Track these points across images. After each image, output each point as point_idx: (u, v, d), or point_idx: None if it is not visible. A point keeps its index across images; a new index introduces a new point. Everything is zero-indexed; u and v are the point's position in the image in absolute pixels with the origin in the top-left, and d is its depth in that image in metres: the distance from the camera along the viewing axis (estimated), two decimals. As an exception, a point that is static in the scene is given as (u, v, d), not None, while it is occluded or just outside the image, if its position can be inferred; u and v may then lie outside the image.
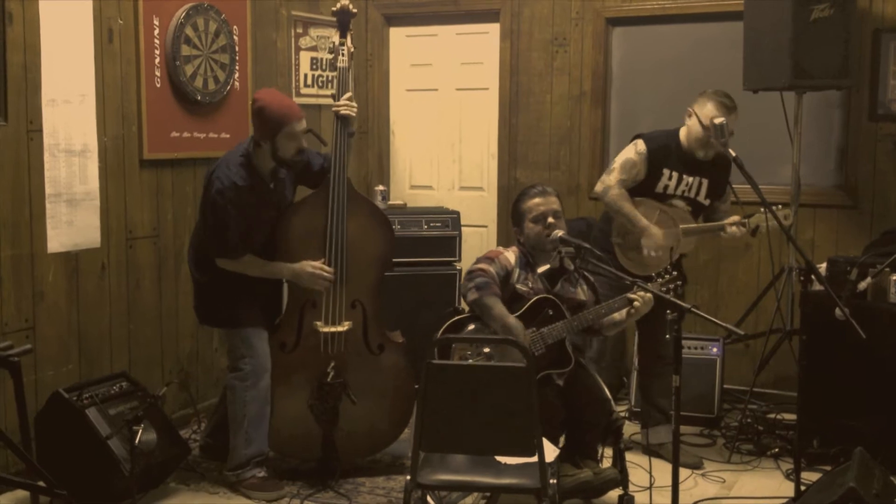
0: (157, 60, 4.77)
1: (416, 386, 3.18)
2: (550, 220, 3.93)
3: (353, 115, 4.28)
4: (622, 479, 3.83)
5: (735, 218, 4.45)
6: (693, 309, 3.28)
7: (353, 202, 4.25)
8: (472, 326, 3.90)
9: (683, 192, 4.51)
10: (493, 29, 6.20)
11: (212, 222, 4.08)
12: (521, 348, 3.15)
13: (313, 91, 5.99)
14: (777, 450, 4.63)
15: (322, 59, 6.05)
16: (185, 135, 4.96)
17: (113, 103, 4.58)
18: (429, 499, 3.64)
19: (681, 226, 4.46)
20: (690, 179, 4.50)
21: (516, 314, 3.83)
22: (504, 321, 3.76)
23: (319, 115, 5.92)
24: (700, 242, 5.20)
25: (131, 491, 3.66)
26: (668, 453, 4.20)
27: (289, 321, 4.27)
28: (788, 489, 4.07)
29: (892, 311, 4.32)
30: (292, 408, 4.25)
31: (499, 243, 6.12)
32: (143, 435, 3.80)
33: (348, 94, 4.29)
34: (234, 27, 5.20)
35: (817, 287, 4.09)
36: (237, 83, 5.22)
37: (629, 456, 4.05)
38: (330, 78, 6.07)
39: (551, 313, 3.88)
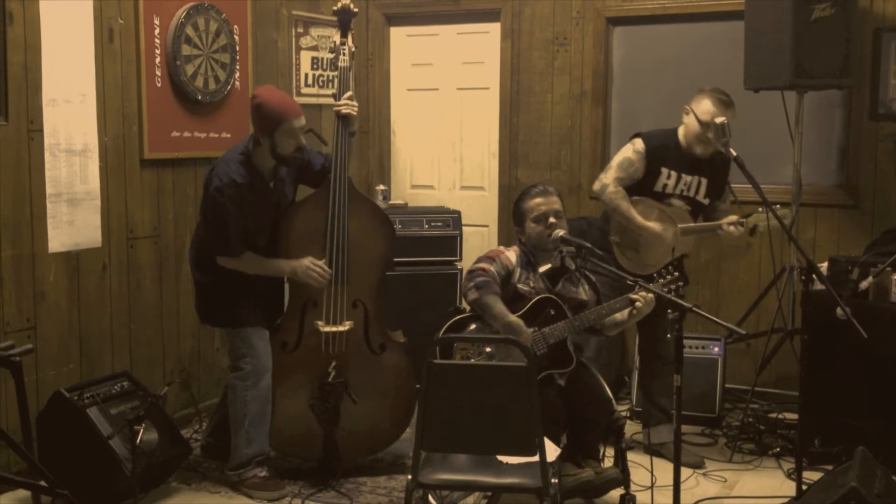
0: (158, 60, 4.77)
1: (418, 385, 3.17)
2: (552, 219, 3.93)
3: (354, 114, 4.28)
4: (624, 478, 3.82)
5: (733, 217, 4.44)
6: (694, 308, 3.27)
7: (354, 202, 4.25)
8: (473, 326, 3.90)
9: (682, 191, 4.51)
10: (494, 28, 6.20)
11: (211, 220, 4.09)
12: (522, 348, 3.15)
13: (314, 91, 5.99)
14: (778, 449, 4.63)
15: (323, 58, 6.05)
16: (186, 134, 4.96)
17: (113, 103, 4.58)
18: (430, 498, 3.63)
19: (679, 225, 4.45)
20: (689, 179, 4.50)
21: (518, 314, 3.83)
22: (504, 320, 3.76)
23: (320, 114, 5.92)
24: (699, 242, 5.21)
25: (133, 490, 3.65)
26: (669, 453, 4.20)
27: (290, 321, 4.27)
28: (790, 489, 4.07)
29: (893, 310, 4.32)
30: (293, 407, 4.25)
31: (500, 243, 6.12)
32: (145, 434, 3.80)
33: (349, 94, 4.29)
34: (235, 27, 5.20)
35: (819, 286, 4.08)
36: (238, 83, 5.22)
37: (631, 455, 4.05)
38: (331, 77, 6.07)
39: (553, 313, 3.88)
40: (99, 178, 4.51)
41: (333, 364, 4.21)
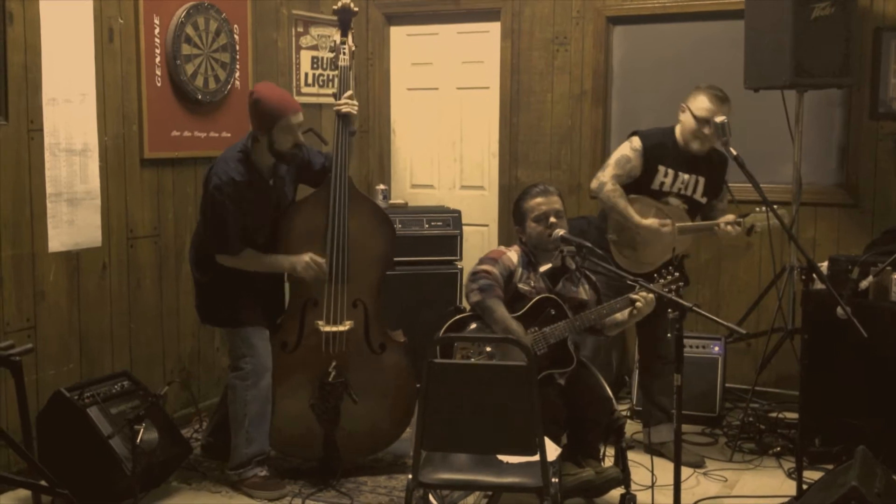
0: (158, 59, 4.77)
1: (418, 385, 3.17)
2: (552, 219, 3.93)
3: (354, 113, 4.28)
4: (624, 478, 3.82)
5: (730, 217, 4.44)
6: (694, 308, 3.27)
7: (354, 201, 4.25)
8: (473, 325, 3.90)
9: (679, 189, 4.51)
10: (494, 28, 6.20)
11: (210, 218, 4.09)
12: (522, 347, 3.15)
13: (314, 90, 5.99)
14: (779, 449, 4.63)
15: (323, 58, 6.04)
16: (186, 134, 4.96)
17: (113, 102, 4.58)
18: (431, 498, 3.63)
19: (676, 224, 4.45)
20: (686, 177, 4.50)
21: (518, 313, 3.83)
22: (505, 325, 3.76)
23: (320, 114, 5.92)
24: (699, 241, 5.21)
25: (133, 490, 3.65)
26: (669, 452, 4.21)
27: (290, 321, 4.27)
28: (790, 488, 4.07)
29: (893, 309, 4.32)
30: (294, 407, 4.25)
31: (500, 242, 6.12)
32: (145, 434, 3.80)
33: (349, 93, 4.29)
34: (235, 26, 5.20)
35: (819, 286, 4.08)
36: (238, 82, 5.22)
37: (631, 455, 4.05)
38: (331, 77, 6.07)
39: (553, 313, 3.88)
40: (99, 177, 4.51)
41: (334, 364, 4.20)
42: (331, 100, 4.44)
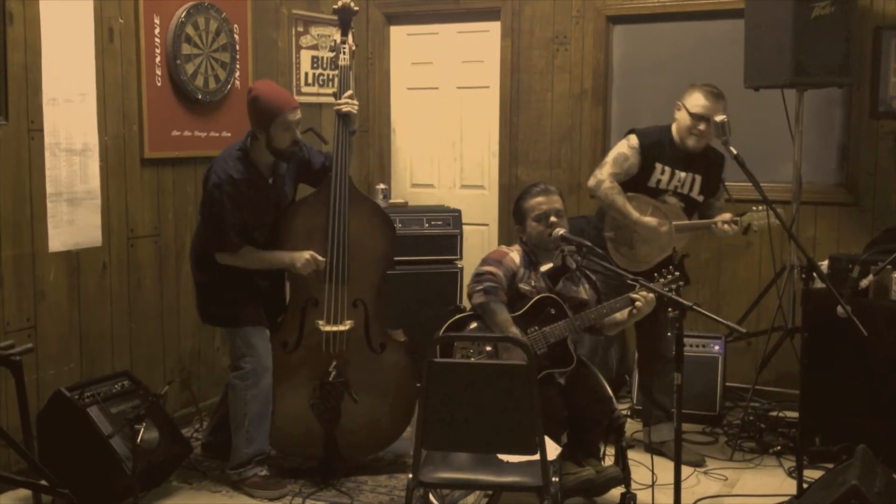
0: (158, 59, 4.77)
1: (418, 384, 3.17)
2: (553, 218, 3.93)
3: (355, 113, 4.28)
4: (624, 477, 3.82)
5: (727, 216, 4.44)
6: (695, 307, 3.27)
7: (354, 201, 4.25)
8: (474, 325, 3.90)
9: (676, 187, 4.51)
10: (494, 27, 6.20)
11: (209, 216, 4.09)
12: (522, 346, 3.15)
13: (314, 90, 5.99)
14: (779, 447, 4.63)
15: (323, 57, 6.05)
16: (186, 133, 4.96)
17: (114, 102, 4.58)
18: (431, 497, 3.63)
19: (673, 222, 4.46)
20: (683, 175, 4.50)
21: (518, 312, 3.83)
22: (506, 330, 3.76)
23: (320, 113, 5.92)
24: (699, 240, 5.21)
25: (133, 490, 3.65)
26: (670, 451, 4.21)
27: (290, 320, 4.27)
28: (791, 487, 4.07)
29: (893, 308, 4.32)
30: (294, 407, 4.25)
31: (500, 242, 6.12)
32: (145, 433, 3.80)
33: (349, 93, 4.29)
34: (235, 26, 5.20)
35: (819, 285, 4.09)
36: (238, 82, 5.22)
37: (631, 454, 4.05)
38: (331, 76, 6.07)
39: (553, 312, 3.88)
40: (99, 177, 4.51)
41: (334, 363, 4.21)
42: (331, 99, 4.44)
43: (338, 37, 4.39)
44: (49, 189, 4.26)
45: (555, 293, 3.93)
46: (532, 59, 6.04)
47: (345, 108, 4.25)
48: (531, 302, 3.88)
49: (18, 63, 4.09)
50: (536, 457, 3.08)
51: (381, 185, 5.92)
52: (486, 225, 6.38)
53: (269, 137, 4.05)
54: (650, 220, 4.42)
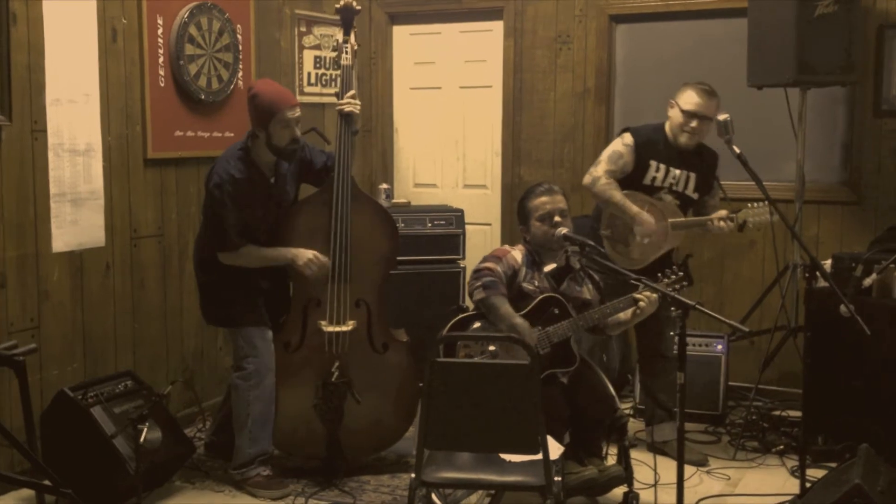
0: (161, 60, 4.78)
1: (421, 384, 3.18)
2: (557, 218, 3.93)
3: (357, 112, 4.28)
4: (627, 476, 3.82)
5: (723, 213, 4.44)
6: (697, 306, 3.27)
7: (356, 201, 4.25)
8: (477, 324, 3.90)
9: (671, 185, 4.52)
10: (497, 27, 6.20)
11: (211, 216, 4.10)
12: (525, 346, 3.15)
13: (317, 90, 5.99)
14: (782, 447, 4.63)
15: (325, 57, 6.05)
16: (189, 134, 4.97)
17: (117, 103, 4.58)
18: (433, 497, 3.63)
19: (669, 220, 4.46)
20: (678, 173, 4.51)
21: (522, 313, 3.83)
22: (510, 321, 3.76)
23: (323, 113, 5.92)
24: (696, 238, 5.22)
25: (136, 489, 3.66)
26: (672, 450, 4.20)
27: (293, 320, 4.28)
28: (794, 486, 4.07)
29: (896, 307, 4.31)
30: (296, 407, 4.25)
31: (503, 241, 6.12)
32: (148, 433, 3.80)
33: (352, 92, 4.29)
34: (238, 26, 5.21)
35: (822, 284, 4.08)
36: (241, 82, 5.23)
37: (634, 453, 4.05)
38: (334, 76, 6.08)
39: (557, 312, 3.87)
40: (102, 177, 4.51)
41: (336, 364, 4.21)
42: (334, 99, 4.44)
43: (340, 36, 4.39)
44: (52, 189, 4.27)
45: (558, 293, 3.93)
46: (535, 59, 6.04)
47: (347, 108, 4.25)
48: (535, 302, 3.88)
49: (22, 63, 4.10)
50: (539, 456, 3.08)
51: (384, 185, 5.92)
52: (489, 224, 6.38)
53: (268, 135, 4.05)
54: (647, 216, 4.43)
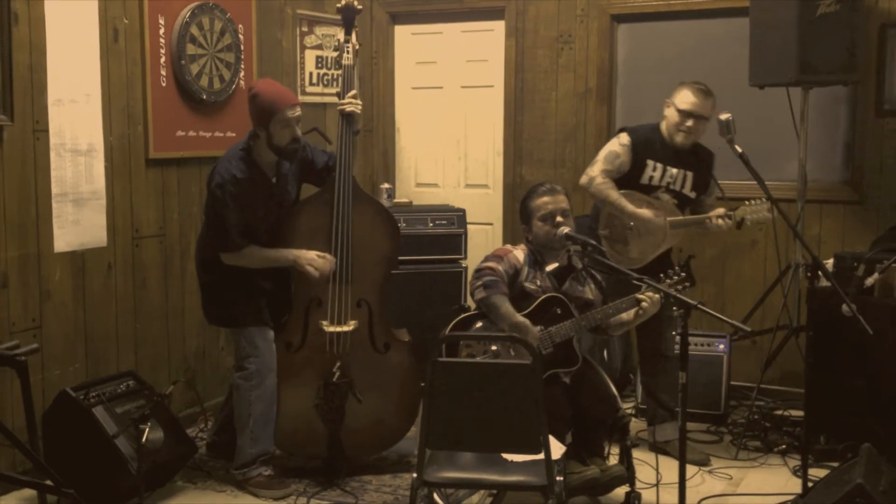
0: (163, 60, 4.78)
1: (423, 384, 3.17)
2: (559, 218, 3.92)
3: (358, 112, 4.28)
4: (629, 476, 3.82)
5: (721, 210, 4.46)
6: (699, 305, 3.27)
7: (358, 200, 4.25)
8: (479, 324, 3.89)
9: (668, 184, 4.53)
10: (499, 26, 6.20)
11: (212, 216, 4.10)
12: (527, 346, 3.15)
13: (318, 89, 5.99)
14: (784, 446, 4.63)
15: (327, 57, 6.05)
16: (191, 134, 4.97)
17: (118, 103, 4.59)
18: (435, 496, 3.63)
19: (668, 218, 4.47)
20: (675, 171, 4.52)
21: (524, 312, 3.83)
22: (511, 320, 3.76)
23: (325, 113, 5.92)
24: (698, 238, 5.22)
25: (138, 489, 3.66)
26: (674, 450, 4.20)
27: (294, 320, 4.28)
28: (796, 486, 4.07)
29: (899, 306, 4.31)
30: (298, 407, 4.25)
31: (504, 241, 6.12)
32: (150, 433, 3.81)
33: (353, 92, 4.29)
34: (240, 26, 5.21)
35: (824, 283, 4.08)
36: (243, 82, 5.23)
37: (636, 453, 4.04)
38: (335, 76, 6.08)
39: (559, 312, 3.87)
40: (104, 177, 4.52)
41: (338, 364, 4.21)
42: (335, 99, 4.44)
43: (342, 36, 4.38)
44: (54, 189, 4.27)
45: (561, 293, 3.93)
46: (536, 59, 6.04)
47: (348, 108, 4.25)
48: (537, 301, 3.87)
49: (24, 63, 4.10)
50: (541, 456, 3.07)
51: (386, 185, 5.92)
52: (491, 224, 6.38)
53: (269, 135, 4.05)
54: (645, 211, 4.43)
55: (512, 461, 3.28)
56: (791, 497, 3.95)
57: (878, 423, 4.25)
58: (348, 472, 4.30)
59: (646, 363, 4.73)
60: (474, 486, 3.62)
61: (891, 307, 4.30)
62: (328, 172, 4.26)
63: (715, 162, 4.60)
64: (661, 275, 3.89)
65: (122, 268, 4.65)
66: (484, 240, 6.30)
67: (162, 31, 4.76)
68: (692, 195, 4.57)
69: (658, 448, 4.45)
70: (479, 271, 3.90)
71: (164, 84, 4.79)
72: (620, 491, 3.86)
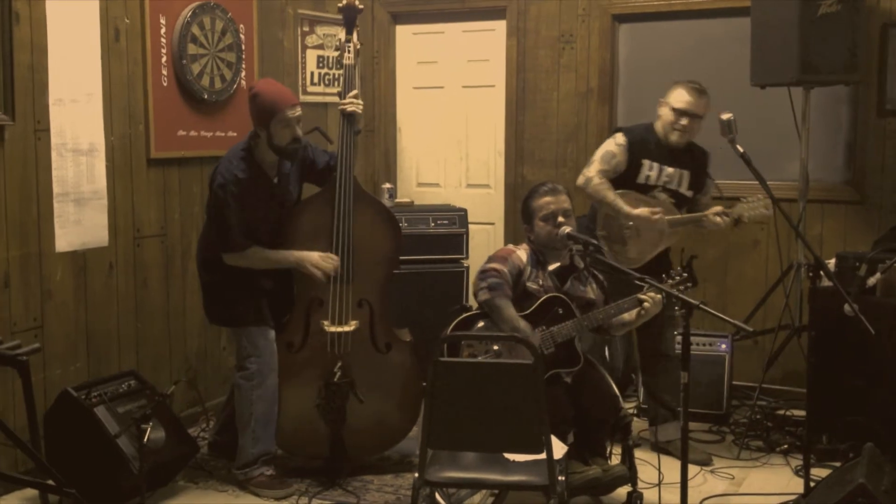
0: (164, 59, 4.78)
1: (424, 384, 3.17)
2: (560, 218, 3.92)
3: (359, 112, 4.28)
4: (631, 475, 3.82)
5: (718, 208, 4.47)
6: (701, 305, 3.26)
7: (359, 200, 4.24)
8: (481, 324, 3.89)
9: (665, 183, 4.54)
10: (500, 26, 6.20)
11: (215, 217, 4.10)
12: (528, 345, 3.15)
13: (320, 89, 5.99)
14: (786, 446, 4.63)
15: (329, 57, 6.05)
16: (192, 133, 4.97)
17: (120, 102, 4.58)
18: (437, 496, 3.63)
19: (666, 217, 4.47)
20: (671, 171, 4.53)
21: (526, 312, 3.83)
22: (514, 324, 3.76)
23: (326, 113, 5.92)
24: (700, 238, 5.22)
25: (140, 489, 3.66)
26: (676, 450, 4.20)
27: (296, 320, 4.27)
28: (798, 485, 4.06)
29: (901, 306, 4.30)
30: (299, 407, 4.25)
31: (506, 241, 6.11)
32: (152, 433, 3.80)
33: (354, 92, 4.29)
34: (241, 26, 5.21)
35: (826, 283, 4.08)
36: (244, 82, 5.22)
37: (638, 453, 4.04)
38: (336, 76, 6.08)
39: (561, 312, 3.87)
40: (105, 177, 4.52)
41: (339, 364, 4.21)
42: (336, 99, 4.44)
43: (343, 36, 4.38)
44: (56, 189, 4.27)
45: (563, 293, 3.93)
46: (538, 58, 6.04)
47: (349, 108, 4.24)
48: (539, 301, 3.87)
49: (25, 63, 4.10)
50: (543, 456, 3.07)
51: (387, 185, 5.92)
52: (492, 224, 6.38)
53: (269, 135, 4.05)
54: (642, 211, 4.44)
55: (514, 461, 3.27)
56: (793, 497, 3.95)
57: (879, 422, 4.24)
58: (350, 472, 4.31)
59: (646, 363, 4.73)
60: (476, 485, 3.62)
61: (893, 307, 4.29)
62: (329, 172, 4.26)
63: (710, 161, 4.62)
64: (664, 275, 3.89)
65: (123, 267, 4.65)
66: (485, 240, 6.30)
67: (163, 30, 4.76)
68: (689, 194, 4.58)
69: (660, 448, 4.45)
70: (483, 272, 3.89)
71: (165, 84, 4.79)
72: (622, 491, 3.86)
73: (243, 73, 5.22)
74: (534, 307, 3.86)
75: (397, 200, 5.92)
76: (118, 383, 4.18)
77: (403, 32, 6.56)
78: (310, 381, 4.24)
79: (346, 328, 4.21)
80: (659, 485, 3.93)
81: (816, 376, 3.98)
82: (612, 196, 4.47)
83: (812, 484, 3.81)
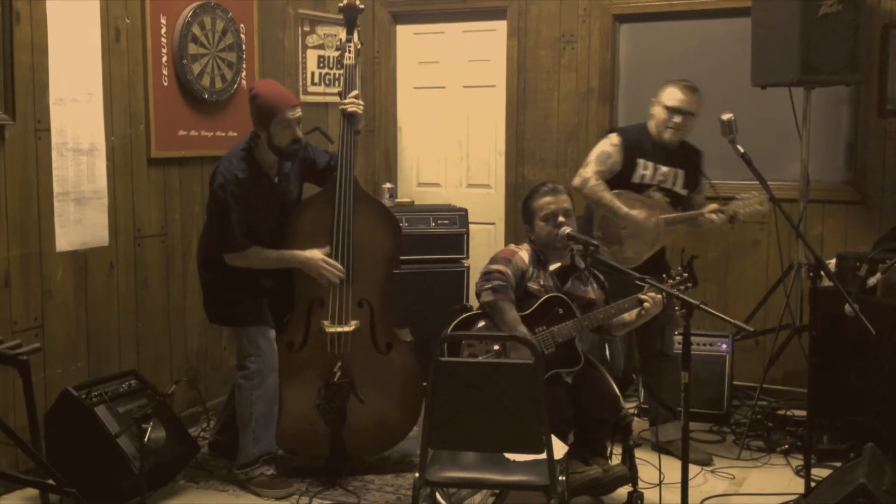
0: (165, 59, 4.78)
1: (425, 384, 3.17)
2: (561, 218, 3.92)
3: (360, 112, 4.28)
4: (631, 475, 3.82)
5: (713, 206, 4.48)
6: (702, 305, 3.26)
7: (360, 200, 4.24)
8: (481, 324, 3.89)
9: (660, 182, 4.55)
10: (501, 26, 6.20)
11: (216, 217, 4.10)
12: (528, 345, 3.14)
13: (320, 89, 5.99)
14: (787, 446, 4.63)
15: (329, 57, 6.05)
16: (193, 133, 4.97)
17: (120, 102, 4.58)
18: (437, 496, 3.63)
19: (662, 216, 4.47)
20: (665, 170, 4.55)
21: (527, 312, 3.82)
22: (515, 328, 3.75)
23: (326, 113, 5.92)
24: (700, 238, 5.22)
25: (140, 489, 3.65)
26: (677, 450, 4.20)
27: (296, 320, 4.27)
28: (798, 485, 4.06)
29: (901, 306, 4.30)
30: (300, 407, 4.25)
31: (506, 241, 6.11)
32: (152, 433, 3.80)
33: (355, 92, 4.29)
34: (241, 25, 5.21)
35: (826, 283, 4.07)
36: (244, 81, 5.22)
37: (638, 452, 4.04)
38: (337, 76, 6.08)
39: (562, 312, 3.87)
40: (106, 177, 4.52)
41: (339, 364, 4.20)
42: (337, 99, 4.44)
43: (343, 35, 4.38)
44: (56, 189, 4.27)
45: (563, 292, 3.93)
46: (538, 58, 6.04)
47: (350, 108, 4.24)
48: (540, 301, 3.87)
49: (25, 63, 4.10)
50: (543, 456, 3.07)
51: (388, 184, 5.92)
52: (493, 224, 6.38)
53: (269, 135, 4.05)
54: (638, 213, 4.44)
55: (514, 461, 3.27)
56: (794, 497, 3.95)
57: (880, 422, 4.24)
58: (350, 472, 4.31)
59: (646, 363, 4.74)
60: (476, 485, 3.62)
61: (893, 307, 4.29)
62: (330, 172, 4.26)
63: (703, 159, 4.63)
64: (664, 276, 3.89)
65: (123, 267, 4.65)
66: (486, 239, 6.30)
67: (163, 30, 4.76)
68: (684, 193, 4.60)
69: (660, 448, 4.44)
70: (488, 273, 3.89)
71: (165, 83, 4.79)
72: (623, 491, 3.86)
73: (244, 73, 5.22)
74: (534, 307, 3.86)
75: (398, 200, 5.92)
76: (119, 383, 4.18)
77: (404, 32, 6.56)
78: (310, 380, 4.24)
79: (347, 328, 4.21)
80: (660, 485, 3.93)
81: (817, 376, 3.98)
82: (608, 197, 4.48)
83: (813, 484, 3.81)
